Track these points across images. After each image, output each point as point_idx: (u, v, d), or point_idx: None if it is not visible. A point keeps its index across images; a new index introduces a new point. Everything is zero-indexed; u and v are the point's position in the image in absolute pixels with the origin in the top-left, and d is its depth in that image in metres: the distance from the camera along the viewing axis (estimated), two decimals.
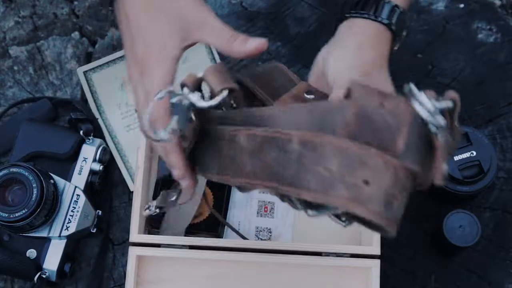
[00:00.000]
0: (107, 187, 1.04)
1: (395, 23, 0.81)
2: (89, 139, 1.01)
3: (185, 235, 0.98)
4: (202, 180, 0.99)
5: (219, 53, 1.10)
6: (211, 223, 1.00)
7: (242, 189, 0.72)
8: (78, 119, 1.01)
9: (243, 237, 0.98)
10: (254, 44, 0.74)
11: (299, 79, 0.80)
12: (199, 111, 0.69)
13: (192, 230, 0.99)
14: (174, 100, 0.67)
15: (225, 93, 0.67)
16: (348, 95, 0.59)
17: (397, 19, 0.81)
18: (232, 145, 0.66)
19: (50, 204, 0.94)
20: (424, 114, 0.58)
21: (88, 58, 1.11)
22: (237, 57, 0.76)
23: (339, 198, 0.56)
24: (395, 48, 0.83)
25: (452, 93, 0.60)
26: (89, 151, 1.01)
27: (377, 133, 0.57)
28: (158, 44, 0.75)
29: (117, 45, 1.11)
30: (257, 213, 1.01)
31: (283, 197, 0.66)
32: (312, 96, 0.76)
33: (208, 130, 0.70)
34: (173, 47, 0.75)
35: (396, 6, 0.82)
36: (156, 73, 0.74)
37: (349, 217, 0.63)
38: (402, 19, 0.82)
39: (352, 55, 0.78)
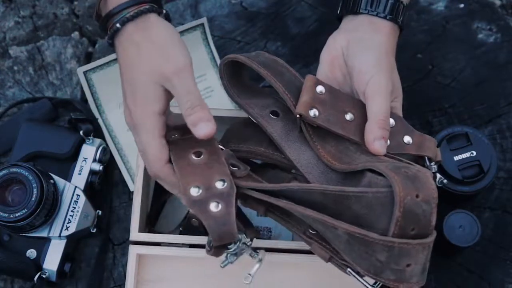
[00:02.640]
0: (107, 187, 1.04)
1: (403, 21, 0.88)
2: (89, 139, 1.01)
3: (185, 234, 0.98)
4: None
5: (218, 53, 1.10)
6: None
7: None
8: (78, 119, 1.01)
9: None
10: (203, 131, 0.78)
11: (298, 73, 0.85)
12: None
13: (193, 231, 0.99)
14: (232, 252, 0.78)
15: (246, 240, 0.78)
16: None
17: (404, 16, 0.88)
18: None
19: (50, 204, 0.94)
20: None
21: (88, 58, 1.12)
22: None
23: (388, 280, 0.72)
24: None
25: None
26: (89, 151, 1.01)
27: (417, 221, 0.71)
28: (142, 97, 0.80)
29: None
30: (257, 212, 1.01)
31: (331, 259, 0.79)
32: (322, 90, 0.82)
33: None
34: (155, 100, 0.80)
35: (402, 3, 0.87)
36: (149, 132, 0.80)
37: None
38: (406, 16, 0.88)
39: (379, 57, 0.84)
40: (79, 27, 1.13)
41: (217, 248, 0.76)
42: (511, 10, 1.14)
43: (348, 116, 0.82)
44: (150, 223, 0.99)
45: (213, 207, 0.75)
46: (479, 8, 1.13)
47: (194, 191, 0.76)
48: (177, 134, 0.82)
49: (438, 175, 0.80)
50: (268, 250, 0.91)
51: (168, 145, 0.81)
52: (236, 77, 0.88)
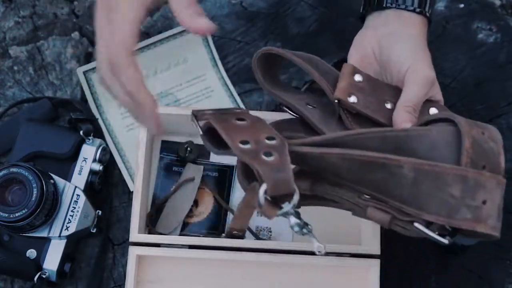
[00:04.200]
0: (107, 187, 1.04)
1: (432, 13, 0.87)
2: (89, 139, 1.01)
3: (185, 235, 0.98)
4: (197, 178, 0.99)
5: (218, 53, 1.10)
6: (211, 222, 1.00)
7: (354, 212, 0.76)
8: (78, 119, 1.01)
9: (254, 234, 0.99)
10: (203, 24, 0.74)
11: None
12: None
13: (192, 228, 0.99)
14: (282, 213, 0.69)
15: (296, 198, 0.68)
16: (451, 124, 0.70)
17: (432, 9, 0.87)
18: (323, 162, 0.71)
19: (50, 204, 0.94)
20: None
21: (88, 58, 1.11)
22: (184, 26, 0.75)
23: (464, 221, 0.66)
24: None
25: None
26: (89, 151, 1.00)
27: (487, 157, 0.67)
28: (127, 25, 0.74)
29: None
30: (257, 212, 1.01)
31: (392, 221, 0.71)
32: (360, 78, 0.80)
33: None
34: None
35: None
36: (126, 14, 0.73)
37: (453, 234, 0.69)
38: (434, 8, 0.88)
39: (415, 47, 0.83)
40: (79, 27, 1.13)
41: (271, 203, 0.68)
42: (511, 10, 1.14)
43: (389, 105, 0.80)
44: (150, 223, 0.99)
45: (266, 156, 0.68)
46: (479, 8, 1.13)
47: (242, 145, 0.70)
48: (210, 113, 0.77)
49: None
50: (268, 250, 0.91)
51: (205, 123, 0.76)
52: (268, 74, 0.85)
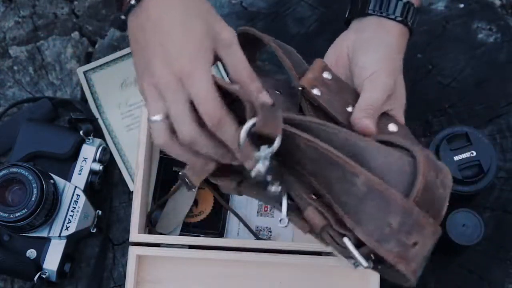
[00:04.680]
0: (107, 187, 1.04)
1: (414, 23, 0.87)
2: (89, 139, 1.01)
3: (184, 235, 0.98)
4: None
5: None
6: (211, 222, 1.00)
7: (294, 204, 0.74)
8: (78, 119, 1.01)
9: (254, 234, 0.99)
10: (264, 99, 0.72)
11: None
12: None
13: (192, 228, 1.00)
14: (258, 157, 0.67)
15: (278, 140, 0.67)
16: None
17: (415, 19, 0.87)
18: (290, 142, 0.69)
19: (50, 204, 0.94)
20: None
21: (88, 58, 1.11)
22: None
23: (389, 252, 0.64)
24: None
25: None
26: (89, 151, 1.01)
27: (432, 204, 0.66)
28: (195, 45, 0.71)
29: (117, 45, 1.11)
30: (257, 212, 1.01)
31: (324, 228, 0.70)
32: (329, 76, 0.80)
33: None
34: (208, 50, 0.71)
35: (413, 5, 0.86)
36: (203, 77, 0.69)
37: (376, 263, 0.68)
38: (417, 19, 0.88)
39: (384, 56, 0.83)
40: (79, 27, 1.13)
41: (248, 145, 0.66)
42: (511, 10, 1.14)
43: (350, 109, 0.80)
44: (150, 223, 0.99)
45: (263, 96, 0.70)
46: (479, 8, 1.13)
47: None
48: None
49: None
50: (268, 251, 0.92)
51: None
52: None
